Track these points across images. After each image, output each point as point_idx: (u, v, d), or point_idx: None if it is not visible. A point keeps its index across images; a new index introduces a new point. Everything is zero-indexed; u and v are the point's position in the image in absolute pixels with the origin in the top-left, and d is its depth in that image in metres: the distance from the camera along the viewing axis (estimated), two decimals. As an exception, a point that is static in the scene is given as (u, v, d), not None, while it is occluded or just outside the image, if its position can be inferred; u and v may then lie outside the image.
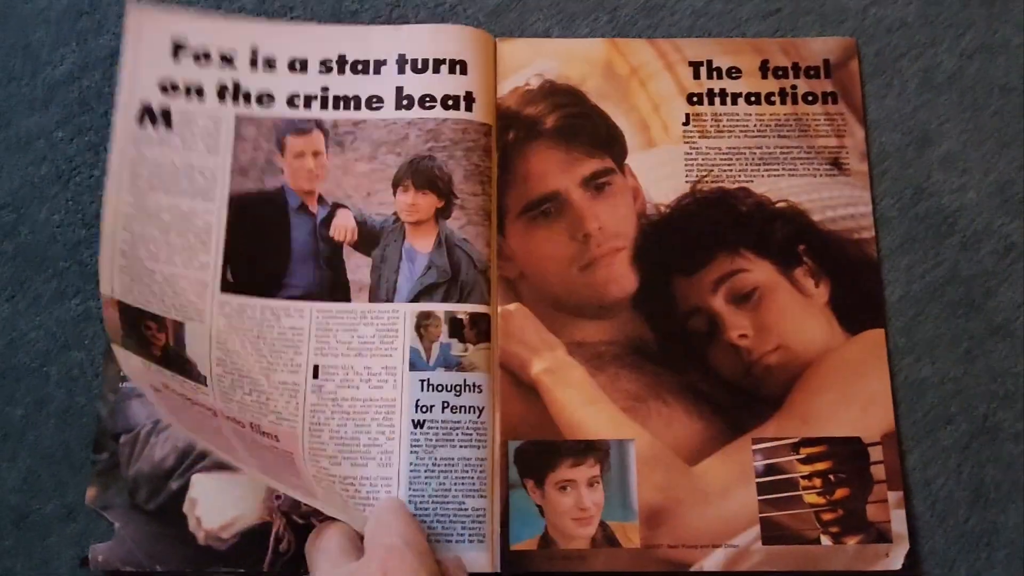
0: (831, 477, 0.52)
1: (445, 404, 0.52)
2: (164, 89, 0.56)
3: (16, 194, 0.57)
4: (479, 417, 0.53)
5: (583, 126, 0.59)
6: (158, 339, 0.51)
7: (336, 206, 0.57)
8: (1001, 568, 0.51)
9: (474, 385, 0.53)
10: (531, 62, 0.60)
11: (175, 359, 0.51)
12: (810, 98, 0.60)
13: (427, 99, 0.58)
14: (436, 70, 0.58)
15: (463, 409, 0.53)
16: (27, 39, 0.60)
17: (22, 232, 0.57)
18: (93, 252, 0.56)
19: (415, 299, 0.54)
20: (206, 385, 0.51)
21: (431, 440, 0.52)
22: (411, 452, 0.52)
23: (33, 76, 0.59)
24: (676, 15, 0.61)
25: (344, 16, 0.61)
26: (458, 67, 0.58)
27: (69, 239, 0.57)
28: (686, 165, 0.58)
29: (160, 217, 0.53)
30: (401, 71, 0.58)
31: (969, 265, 0.56)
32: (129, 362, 0.49)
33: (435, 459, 0.52)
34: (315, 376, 0.53)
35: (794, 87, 0.60)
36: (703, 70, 0.60)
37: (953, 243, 0.57)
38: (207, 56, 0.57)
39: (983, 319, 0.55)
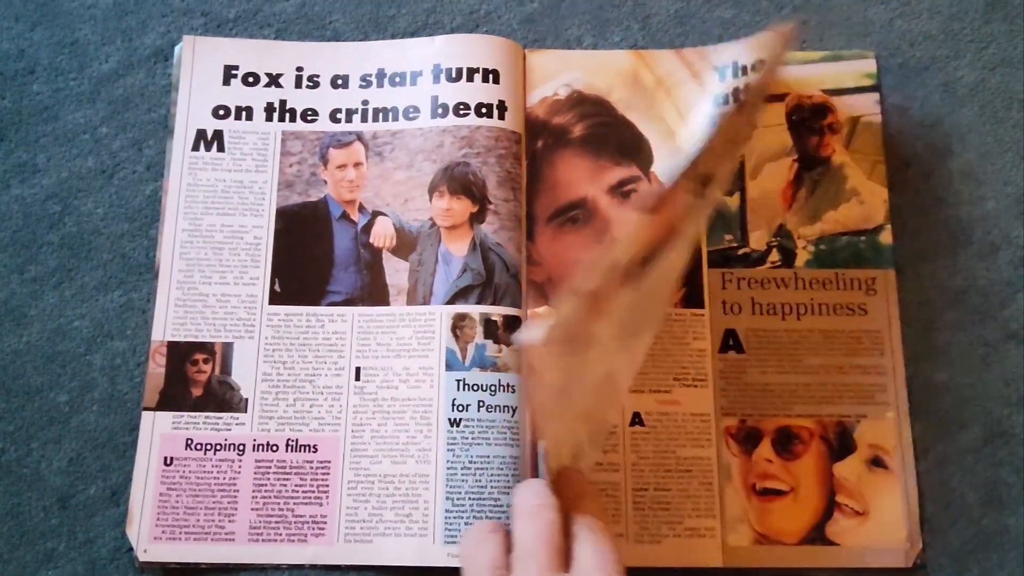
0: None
1: (480, 403, 0.54)
2: (217, 114, 0.60)
3: (62, 186, 0.59)
4: (513, 416, 0.54)
5: (610, 135, 0.60)
6: (203, 373, 0.56)
7: (376, 214, 0.58)
8: (1012, 568, 0.53)
9: (508, 385, 0.55)
10: (559, 73, 0.61)
11: (215, 393, 0.56)
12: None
13: (461, 107, 0.59)
14: (470, 79, 0.60)
15: (498, 408, 0.54)
16: (74, 35, 0.62)
17: (67, 223, 0.58)
18: (136, 245, 0.58)
19: (451, 301, 0.56)
20: (245, 411, 0.55)
21: (467, 438, 0.54)
22: (448, 450, 0.54)
23: (80, 72, 0.61)
24: (707, 24, 0.62)
25: (382, 21, 0.62)
26: (491, 76, 0.60)
27: (113, 232, 0.58)
28: (711, 171, 0.60)
29: (213, 237, 0.58)
30: (436, 81, 0.60)
31: (986, 274, 0.58)
32: (156, 431, 0.55)
33: (471, 457, 0.53)
34: (357, 378, 0.55)
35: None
36: (728, 71, 0.61)
37: (971, 252, 0.58)
38: (255, 78, 0.61)
39: (999, 326, 0.57)
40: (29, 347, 0.56)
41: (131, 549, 0.53)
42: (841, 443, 0.55)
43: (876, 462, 0.54)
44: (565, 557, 0.41)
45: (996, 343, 0.57)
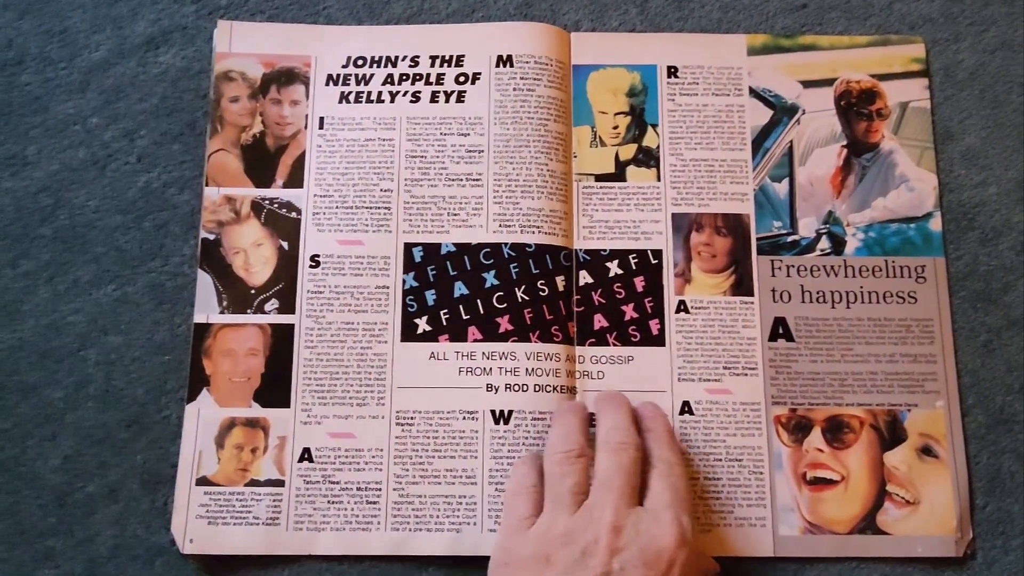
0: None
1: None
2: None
3: (53, 178, 0.58)
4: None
5: None
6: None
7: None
8: (1016, 555, 0.53)
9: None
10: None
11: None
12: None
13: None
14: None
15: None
16: (64, 24, 0.61)
17: (60, 216, 0.57)
18: (129, 238, 0.57)
19: None
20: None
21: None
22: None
23: (70, 61, 0.60)
24: (705, 7, 0.62)
25: (376, 7, 0.61)
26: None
27: (106, 224, 0.57)
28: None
29: None
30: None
31: (988, 259, 0.58)
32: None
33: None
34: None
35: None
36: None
37: (973, 237, 0.58)
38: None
39: (1001, 312, 0.57)
40: (23, 343, 0.55)
41: (129, 546, 0.53)
42: (892, 432, 0.54)
43: (927, 451, 0.54)
44: (640, 490, 0.46)
45: (998, 329, 0.57)
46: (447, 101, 0.59)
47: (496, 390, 0.54)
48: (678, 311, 0.57)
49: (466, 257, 0.57)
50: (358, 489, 0.53)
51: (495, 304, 0.56)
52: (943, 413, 0.55)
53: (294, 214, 0.58)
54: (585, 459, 0.48)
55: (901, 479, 0.54)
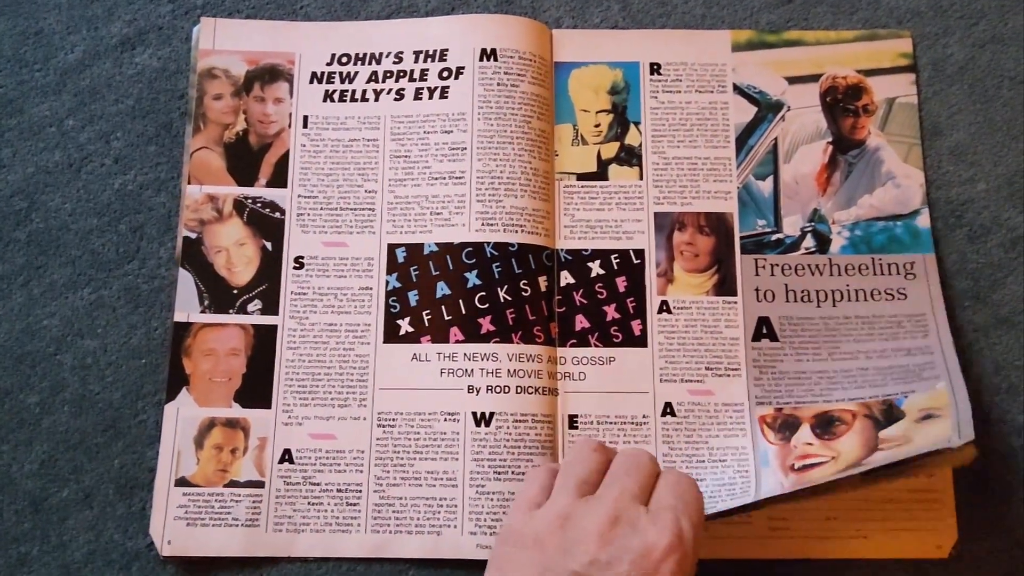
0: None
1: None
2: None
3: (28, 181, 0.58)
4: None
5: None
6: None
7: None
8: (1002, 556, 0.52)
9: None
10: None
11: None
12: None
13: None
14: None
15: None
16: (38, 25, 0.60)
17: (35, 220, 0.57)
18: (105, 241, 0.57)
19: None
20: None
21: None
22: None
23: (45, 63, 0.59)
24: (689, 3, 0.61)
25: (354, 4, 0.61)
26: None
27: (81, 227, 0.57)
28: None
29: None
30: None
31: (976, 257, 0.57)
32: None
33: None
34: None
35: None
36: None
37: (961, 235, 0.57)
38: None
39: (989, 311, 0.56)
40: (-2, 347, 0.55)
41: (105, 551, 0.52)
42: (888, 417, 0.52)
43: (927, 418, 0.51)
44: (648, 497, 0.44)
45: (986, 328, 0.56)
46: (431, 98, 0.59)
47: (477, 392, 0.54)
48: (660, 311, 0.56)
49: (448, 257, 0.56)
50: (338, 491, 0.53)
51: (477, 304, 0.55)
52: (945, 390, 0.52)
53: (277, 214, 0.57)
54: (600, 455, 0.47)
55: (898, 439, 0.51)
